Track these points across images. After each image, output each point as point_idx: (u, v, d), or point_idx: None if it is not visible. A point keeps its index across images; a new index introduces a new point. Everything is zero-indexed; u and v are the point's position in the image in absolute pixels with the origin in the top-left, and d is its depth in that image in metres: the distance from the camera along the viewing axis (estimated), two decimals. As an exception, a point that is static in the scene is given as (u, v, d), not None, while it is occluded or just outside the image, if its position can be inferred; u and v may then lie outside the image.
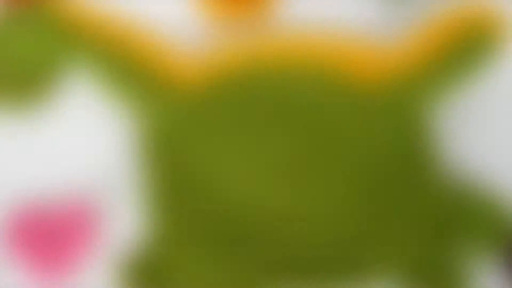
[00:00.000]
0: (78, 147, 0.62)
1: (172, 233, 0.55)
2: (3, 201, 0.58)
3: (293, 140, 0.60)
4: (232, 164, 0.59)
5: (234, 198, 0.57)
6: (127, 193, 0.59)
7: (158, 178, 0.57)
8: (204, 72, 0.62)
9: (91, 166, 0.61)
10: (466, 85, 0.61)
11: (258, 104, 0.62)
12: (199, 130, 0.61)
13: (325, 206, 0.57)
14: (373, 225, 0.56)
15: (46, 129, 0.62)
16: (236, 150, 0.60)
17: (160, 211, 0.56)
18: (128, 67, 0.63)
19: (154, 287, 0.54)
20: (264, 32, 0.64)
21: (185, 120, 0.61)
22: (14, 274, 0.55)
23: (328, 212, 0.57)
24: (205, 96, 0.62)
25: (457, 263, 0.54)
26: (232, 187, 0.58)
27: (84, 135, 0.62)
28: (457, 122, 0.62)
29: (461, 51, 0.62)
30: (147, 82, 0.62)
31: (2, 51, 0.63)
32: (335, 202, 0.57)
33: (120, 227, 0.58)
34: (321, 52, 0.63)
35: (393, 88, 0.61)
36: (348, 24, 0.67)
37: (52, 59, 0.63)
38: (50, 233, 0.55)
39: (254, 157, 0.59)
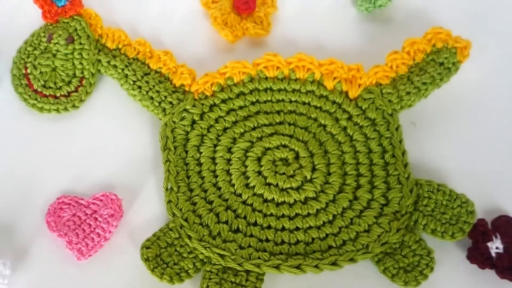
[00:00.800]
0: (110, 144, 0.63)
1: (183, 217, 0.56)
2: (49, 189, 0.59)
3: (288, 136, 0.61)
4: (237, 159, 0.60)
5: (238, 188, 0.58)
6: (148, 184, 0.60)
7: (173, 171, 0.59)
8: (217, 80, 0.64)
9: (121, 159, 0.62)
10: (427, 94, 0.62)
11: (259, 106, 0.63)
12: (210, 129, 0.62)
13: (316, 195, 0.58)
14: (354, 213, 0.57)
15: (82, 129, 0.64)
16: (241, 146, 0.60)
17: (175, 198, 0.57)
18: (152, 77, 0.64)
19: (166, 259, 0.54)
20: (265, 51, 0.66)
21: (199, 121, 0.62)
22: (53, 247, 0.56)
23: (319, 201, 0.57)
24: (216, 101, 0.63)
25: (423, 247, 0.55)
26: (236, 179, 0.58)
27: (114, 134, 0.64)
28: (419, 124, 0.63)
29: (422, 68, 0.64)
30: (170, 90, 0.64)
31: (48, 63, 0.65)
32: (325, 190, 0.58)
33: (141, 211, 0.59)
34: (311, 67, 0.64)
35: (366, 96, 0.62)
36: (333, 44, 0.69)
37: (87, 68, 0.65)
38: (84, 215, 0.57)
39: (257, 152, 0.60)
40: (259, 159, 0.59)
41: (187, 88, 0.63)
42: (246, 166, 0.59)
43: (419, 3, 0.71)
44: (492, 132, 0.63)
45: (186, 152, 0.60)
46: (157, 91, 0.62)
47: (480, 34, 0.67)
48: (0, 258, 0.54)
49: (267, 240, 0.55)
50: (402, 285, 0.54)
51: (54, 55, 0.65)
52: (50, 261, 0.56)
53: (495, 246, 0.55)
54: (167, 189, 0.58)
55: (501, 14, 0.70)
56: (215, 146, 0.60)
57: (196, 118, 0.61)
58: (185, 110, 0.61)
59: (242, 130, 0.61)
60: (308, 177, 0.58)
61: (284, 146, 0.60)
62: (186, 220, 0.56)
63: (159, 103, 0.62)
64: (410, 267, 0.54)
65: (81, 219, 0.56)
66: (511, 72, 0.66)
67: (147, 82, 0.63)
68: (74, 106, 0.63)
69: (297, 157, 0.59)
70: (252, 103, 0.63)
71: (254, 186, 0.58)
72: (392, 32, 0.69)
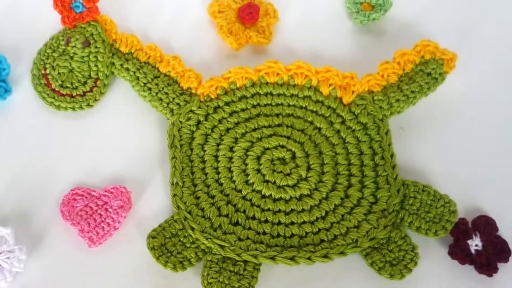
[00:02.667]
0: (121, 141, 0.63)
1: (187, 210, 0.56)
2: (63, 181, 0.60)
3: (286, 137, 0.61)
4: (238, 157, 0.60)
5: (238, 185, 0.58)
6: (155, 178, 0.60)
7: (179, 167, 0.59)
8: (221, 84, 0.64)
9: (131, 155, 0.62)
10: (415, 101, 0.63)
11: (260, 109, 0.63)
12: (213, 129, 0.62)
13: (311, 193, 0.58)
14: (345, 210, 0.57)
15: (96, 126, 0.64)
16: (242, 145, 0.61)
17: (180, 192, 0.57)
18: (161, 79, 0.65)
19: (170, 249, 0.55)
20: (266, 58, 0.66)
21: (204, 121, 0.62)
22: (66, 235, 0.56)
23: (313, 198, 0.57)
24: (220, 103, 0.63)
25: (408, 243, 0.55)
26: (237, 176, 0.58)
27: (125, 132, 0.64)
28: (407, 129, 0.64)
29: (411, 77, 0.64)
30: (178, 92, 0.64)
31: (65, 64, 0.66)
32: (319, 188, 0.58)
33: (148, 203, 0.59)
34: (308, 74, 0.64)
35: (359, 102, 0.63)
36: (330, 54, 0.69)
37: (101, 70, 0.65)
38: (96, 206, 0.57)
39: (256, 151, 0.60)
40: (258, 158, 0.59)
41: (193, 91, 0.63)
42: (246, 164, 0.59)
43: (410, 17, 0.71)
44: (474, 138, 0.63)
45: (191, 150, 0.60)
46: (166, 93, 0.62)
47: (466, 47, 0.67)
48: (17, 244, 0.54)
49: (264, 233, 0.56)
50: (388, 278, 0.54)
51: (71, 58, 0.65)
52: (63, 248, 0.56)
53: (475, 243, 0.55)
54: (172, 184, 0.58)
55: (486, 29, 0.70)
56: (218, 145, 0.60)
57: (201, 118, 0.61)
58: (191, 111, 0.61)
59: (243, 131, 0.61)
60: (304, 176, 0.58)
61: (282, 146, 0.60)
62: (189, 212, 0.56)
63: (167, 104, 0.62)
64: (396, 261, 0.54)
65: (92, 210, 0.56)
66: (493, 84, 0.66)
67: (156, 84, 0.63)
68: (89, 105, 0.64)
69: (293, 157, 0.59)
70: (253, 106, 0.63)
71: (253, 183, 0.58)
72: (384, 43, 0.69)
